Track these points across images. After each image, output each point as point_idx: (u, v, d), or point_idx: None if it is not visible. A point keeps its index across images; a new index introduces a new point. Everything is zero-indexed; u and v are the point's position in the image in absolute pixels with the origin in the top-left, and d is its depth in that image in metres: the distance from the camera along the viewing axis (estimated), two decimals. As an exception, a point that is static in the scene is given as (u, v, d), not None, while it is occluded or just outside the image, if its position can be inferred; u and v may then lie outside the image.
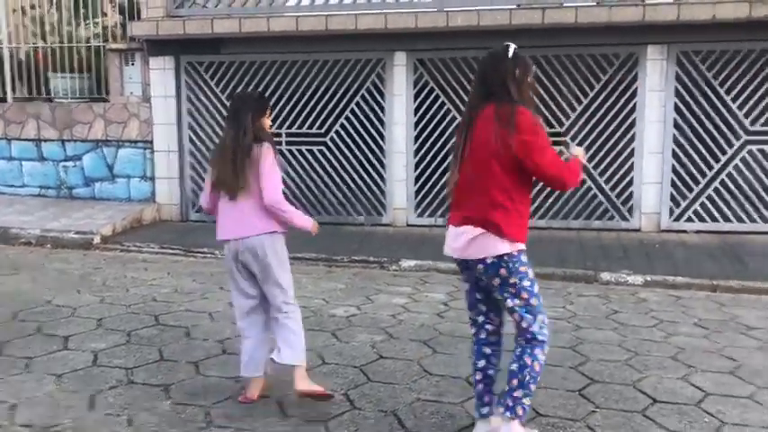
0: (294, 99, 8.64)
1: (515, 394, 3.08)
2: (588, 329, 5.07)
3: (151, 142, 9.04)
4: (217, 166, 3.69)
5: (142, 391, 3.82)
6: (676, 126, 7.89)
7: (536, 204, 8.26)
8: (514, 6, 7.84)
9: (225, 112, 8.49)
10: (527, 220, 3.16)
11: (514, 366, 3.12)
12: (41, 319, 4.93)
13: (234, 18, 8.30)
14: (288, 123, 8.72)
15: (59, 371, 4.04)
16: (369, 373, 4.14)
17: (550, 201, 8.25)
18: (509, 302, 3.12)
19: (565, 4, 7.76)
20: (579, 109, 8.14)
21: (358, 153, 8.60)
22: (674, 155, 7.92)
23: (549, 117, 8.23)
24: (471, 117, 3.15)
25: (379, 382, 4.01)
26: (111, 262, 6.97)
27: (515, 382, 3.09)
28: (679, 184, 7.98)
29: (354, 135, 8.57)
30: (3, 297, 5.49)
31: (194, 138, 8.90)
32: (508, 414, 3.08)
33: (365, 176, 8.60)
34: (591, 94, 8.08)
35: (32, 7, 10.48)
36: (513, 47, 3.17)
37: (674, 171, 7.94)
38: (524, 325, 3.12)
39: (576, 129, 8.22)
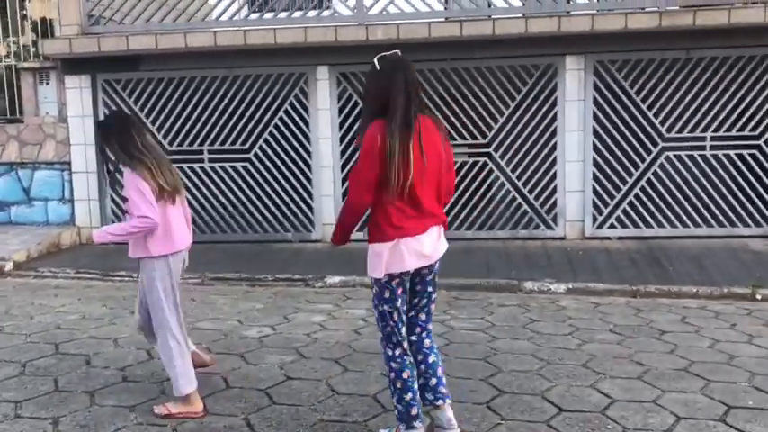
0: (216, 115, 8.47)
1: (444, 378, 3.32)
2: (504, 340, 5.04)
3: (69, 163, 8.74)
4: (163, 170, 3.70)
5: (29, 425, 3.62)
6: (596, 134, 8.00)
7: (463, 215, 8.29)
8: (441, 19, 7.89)
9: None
10: None
11: (434, 357, 3.31)
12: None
13: (150, 34, 8.11)
14: (210, 140, 8.54)
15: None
16: (273, 396, 4.00)
17: (477, 211, 8.28)
18: (434, 294, 3.35)
19: (493, 16, 7.83)
20: (501, 120, 8.20)
21: (284, 169, 8.47)
22: (595, 163, 8.03)
23: (473, 129, 8.27)
24: (413, 126, 3.06)
25: (282, 405, 3.89)
26: (20, 289, 6.68)
27: (440, 368, 3.31)
28: (601, 191, 8.09)
29: (279, 151, 8.45)
30: None
31: (113, 157, 8.63)
32: (449, 399, 3.32)
33: (292, 192, 8.48)
34: (512, 106, 8.14)
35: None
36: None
37: (596, 179, 8.05)
38: (433, 310, 3.40)
39: (498, 140, 8.26)
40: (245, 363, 4.56)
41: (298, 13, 8.33)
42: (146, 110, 8.56)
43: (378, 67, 3.12)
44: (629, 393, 3.99)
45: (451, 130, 8.37)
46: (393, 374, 3.21)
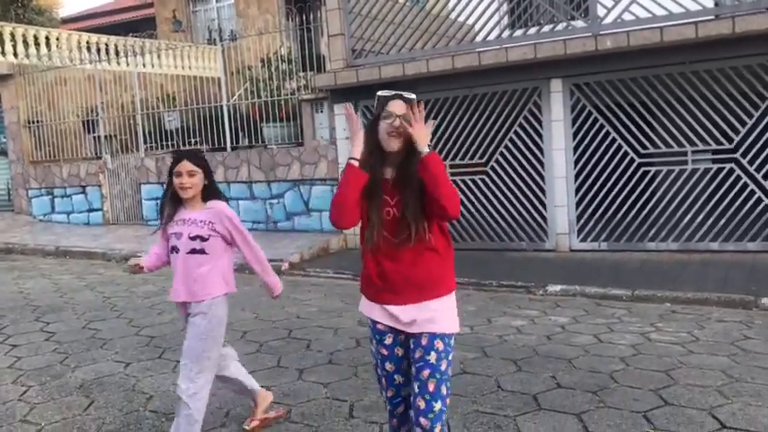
0: (456, 132, 9.13)
1: None
2: (700, 355, 4.85)
3: (336, 179, 10.09)
4: None
5: (249, 390, 4.55)
6: None
7: (707, 225, 7.84)
8: (669, 23, 7.62)
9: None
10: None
11: None
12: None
13: (398, 63, 9.07)
14: (452, 155, 9.22)
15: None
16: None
17: (722, 222, 7.75)
18: None
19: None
20: (750, 123, 7.58)
21: (518, 180, 8.81)
22: None
23: (716, 134, 7.77)
24: None
25: (454, 395, 4.31)
26: (287, 285, 7.96)
27: None
28: None
29: (514, 163, 8.81)
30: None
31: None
32: None
33: (526, 203, 8.77)
34: (762, 107, 7.48)
35: (249, 68, 12.30)
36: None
37: None
38: None
39: (747, 144, 7.65)
40: (432, 356, 5.07)
41: (531, 31, 8.63)
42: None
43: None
44: (814, 419, 3.67)
45: (693, 136, 7.99)
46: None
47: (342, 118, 9.89)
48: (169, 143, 13.10)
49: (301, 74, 12.00)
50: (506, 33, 8.90)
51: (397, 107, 2.81)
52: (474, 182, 9.11)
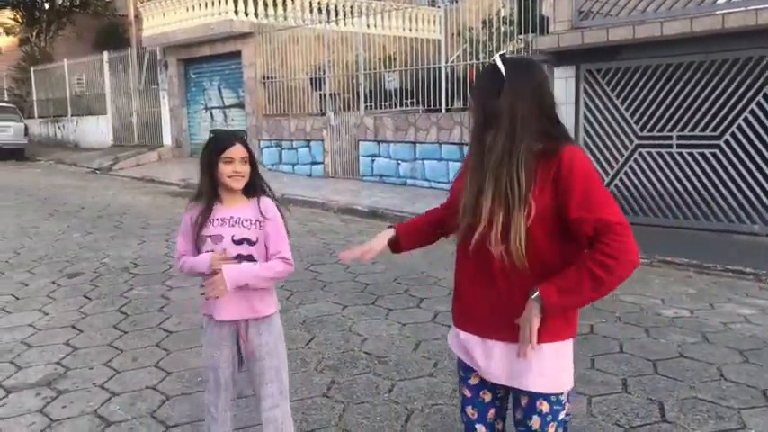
0: (688, 101, 8.46)
1: None
2: None
3: (551, 146, 9.83)
4: None
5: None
6: None
7: None
8: None
9: (618, 118, 8.86)
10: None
11: None
12: (411, 284, 6.20)
13: (628, 25, 8.55)
14: (680, 126, 8.58)
15: (405, 321, 5.17)
16: (658, 367, 4.25)
17: None
18: None
19: None
20: None
21: (756, 157, 8.00)
22: None
23: None
24: None
25: (663, 376, 4.12)
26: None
27: None
28: None
29: (754, 138, 8.00)
30: (395, 266, 6.95)
31: (588, 141, 9.42)
32: None
33: (763, 182, 7.96)
34: None
35: (469, 30, 12.31)
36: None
37: None
38: None
39: None
40: (646, 335, 4.85)
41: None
42: (621, 97, 9.06)
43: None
44: None
45: None
46: None
47: (562, 82, 9.60)
48: (387, 104, 13.59)
49: (521, 36, 11.79)
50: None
51: None
52: (703, 155, 8.42)
